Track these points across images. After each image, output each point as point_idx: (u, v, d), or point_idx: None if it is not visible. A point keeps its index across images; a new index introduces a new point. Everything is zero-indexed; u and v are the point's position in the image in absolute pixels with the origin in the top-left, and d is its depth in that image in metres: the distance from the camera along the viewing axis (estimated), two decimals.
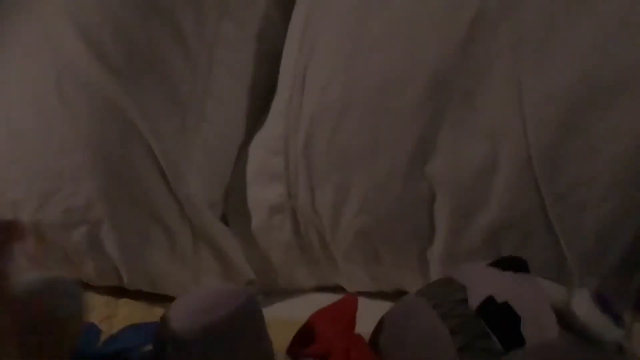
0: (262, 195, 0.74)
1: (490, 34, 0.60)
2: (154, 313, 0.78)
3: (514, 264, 0.47)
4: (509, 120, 0.57)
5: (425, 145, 0.61)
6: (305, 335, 0.49)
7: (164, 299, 0.79)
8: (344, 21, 0.70)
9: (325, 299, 0.76)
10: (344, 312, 0.48)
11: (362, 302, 0.73)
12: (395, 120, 0.62)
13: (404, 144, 0.61)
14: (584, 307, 0.42)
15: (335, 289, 0.76)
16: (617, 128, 0.52)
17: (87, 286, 0.86)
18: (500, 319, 0.41)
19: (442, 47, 0.61)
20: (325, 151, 0.67)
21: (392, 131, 0.62)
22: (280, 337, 0.64)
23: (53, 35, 0.79)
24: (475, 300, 0.43)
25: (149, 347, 0.59)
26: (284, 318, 0.73)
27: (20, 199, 0.76)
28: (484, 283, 0.44)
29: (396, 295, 0.71)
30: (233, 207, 0.78)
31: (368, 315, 0.55)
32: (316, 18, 0.73)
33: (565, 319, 0.42)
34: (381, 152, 0.63)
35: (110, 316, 0.81)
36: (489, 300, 0.42)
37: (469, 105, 0.59)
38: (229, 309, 0.45)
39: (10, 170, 0.76)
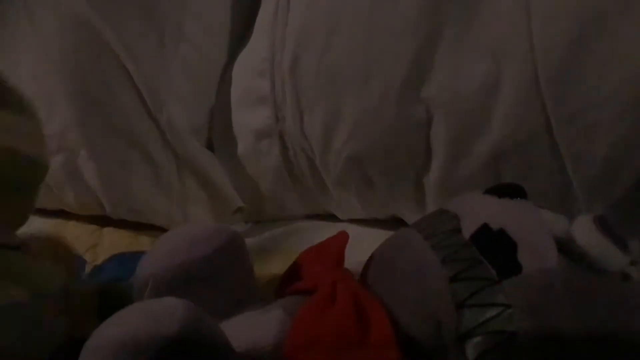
0: (248, 119, 0.70)
1: None
2: (140, 241, 0.77)
3: (511, 191, 0.44)
4: (514, 37, 0.51)
5: (421, 65, 0.56)
6: (292, 274, 0.47)
7: (152, 228, 0.77)
8: None
9: (317, 227, 0.74)
10: (332, 249, 0.46)
11: (356, 230, 0.71)
12: (388, 38, 0.57)
13: (398, 63, 0.56)
14: (584, 231, 0.39)
15: (327, 217, 0.74)
16: (632, 44, 0.47)
17: (71, 215, 0.84)
18: (494, 246, 0.38)
19: None
20: (313, 72, 0.62)
21: (385, 50, 0.57)
22: (269, 268, 0.62)
23: None
24: (469, 228, 0.40)
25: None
26: (274, 248, 0.72)
27: None
28: (478, 211, 0.41)
29: (390, 222, 0.69)
30: (218, 132, 0.74)
31: (362, 244, 0.52)
32: None
33: (565, 247, 0.39)
34: (374, 74, 0.58)
35: (95, 245, 0.79)
36: (483, 228, 0.39)
37: (469, 21, 0.54)
38: (209, 247, 0.43)
39: None
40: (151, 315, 0.32)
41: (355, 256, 0.50)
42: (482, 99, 0.53)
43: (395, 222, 0.68)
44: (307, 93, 0.63)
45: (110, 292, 0.49)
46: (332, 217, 0.73)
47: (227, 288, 0.43)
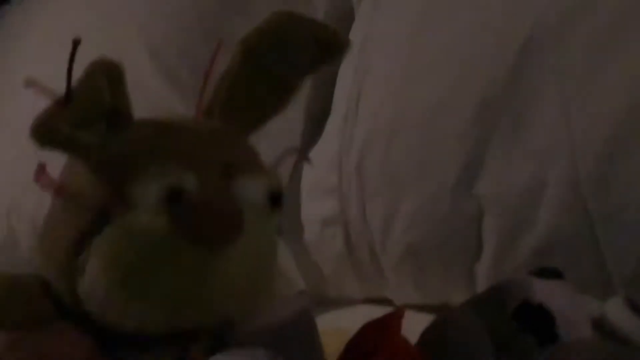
0: (315, 209, 0.78)
1: (538, 60, 0.63)
2: None
3: (550, 273, 0.49)
4: (558, 143, 0.59)
5: (473, 166, 0.63)
6: (354, 345, 0.52)
7: None
8: (397, 49, 0.74)
9: (373, 311, 0.79)
10: (392, 320, 0.51)
11: (410, 314, 0.76)
12: (445, 142, 0.65)
13: (453, 164, 0.64)
14: (616, 309, 0.44)
15: (383, 301, 0.79)
16: None
17: None
18: (534, 318, 0.44)
19: (492, 73, 0.64)
20: (377, 169, 0.71)
21: (441, 152, 0.66)
22: (329, 347, 0.67)
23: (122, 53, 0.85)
24: (512, 304, 0.46)
25: None
26: (331, 328, 0.77)
27: None
28: (520, 289, 0.47)
29: (442, 309, 0.74)
30: (286, 219, 0.82)
31: (414, 328, 0.58)
32: (371, 45, 0.77)
33: (597, 323, 0.44)
34: (430, 172, 0.66)
35: None
36: (525, 303, 0.45)
37: (517, 128, 0.62)
38: (286, 315, 0.48)
39: None
40: (244, 356, 0.38)
41: (410, 338, 0.55)
42: (529, 198, 0.60)
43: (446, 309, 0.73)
44: (370, 187, 0.71)
45: None
46: (388, 302, 0.78)
47: (298, 353, 0.49)
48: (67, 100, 0.34)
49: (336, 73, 0.83)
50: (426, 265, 0.69)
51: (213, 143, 0.39)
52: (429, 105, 0.67)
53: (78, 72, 0.35)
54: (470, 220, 0.64)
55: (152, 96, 0.83)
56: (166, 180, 0.35)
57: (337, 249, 0.76)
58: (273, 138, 0.83)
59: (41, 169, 0.35)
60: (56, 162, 0.38)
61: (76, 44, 0.34)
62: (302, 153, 0.77)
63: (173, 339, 0.38)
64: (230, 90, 0.41)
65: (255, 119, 0.44)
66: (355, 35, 0.81)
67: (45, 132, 0.34)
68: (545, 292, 0.46)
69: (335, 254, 0.77)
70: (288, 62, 0.43)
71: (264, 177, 0.38)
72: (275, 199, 0.38)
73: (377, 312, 0.77)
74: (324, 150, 0.79)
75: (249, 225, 0.35)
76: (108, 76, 0.35)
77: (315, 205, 0.78)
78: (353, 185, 0.73)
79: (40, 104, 0.34)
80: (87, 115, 0.35)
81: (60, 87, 0.34)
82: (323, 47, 0.43)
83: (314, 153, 0.80)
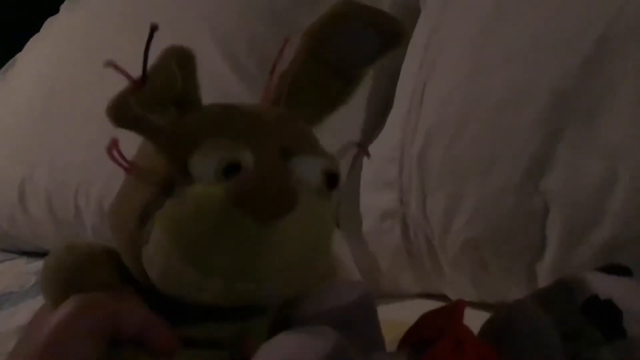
0: (374, 201, 0.78)
1: (616, 54, 0.61)
2: None
3: (619, 270, 0.49)
4: (631, 141, 0.58)
5: (542, 161, 0.62)
6: (415, 331, 0.52)
7: None
8: (466, 43, 0.73)
9: (429, 305, 0.79)
10: (453, 310, 0.51)
11: (467, 311, 0.76)
12: (513, 136, 0.65)
13: (520, 159, 0.64)
14: None
15: (439, 297, 0.79)
16: None
17: None
18: (602, 313, 0.43)
19: (566, 67, 0.63)
20: (439, 162, 0.70)
21: (508, 147, 0.65)
22: (386, 337, 0.67)
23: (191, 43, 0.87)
24: (579, 298, 0.45)
25: None
26: (387, 319, 0.77)
27: None
28: (588, 284, 0.46)
29: (499, 307, 0.73)
30: (345, 211, 0.82)
31: (471, 324, 0.57)
32: (438, 39, 0.77)
33: None
34: (496, 166, 0.65)
35: None
36: (593, 298, 0.44)
37: (589, 124, 0.60)
38: (349, 300, 0.48)
39: None
40: (309, 335, 0.39)
41: None
42: (598, 195, 0.59)
43: None
44: (431, 180, 0.71)
45: None
46: (443, 298, 0.78)
47: (361, 336, 0.49)
48: (142, 82, 0.35)
49: (398, 67, 0.83)
50: (486, 261, 0.68)
51: (274, 126, 0.40)
52: (499, 97, 0.67)
53: (151, 59, 0.36)
54: (534, 216, 0.63)
55: (220, 85, 0.85)
56: (223, 153, 0.36)
57: (394, 242, 0.76)
58: (334, 131, 0.84)
59: (114, 144, 0.37)
60: (131, 144, 0.40)
61: (153, 29, 0.36)
62: (363, 147, 0.78)
63: (231, 314, 0.39)
64: (295, 81, 0.42)
65: (319, 109, 0.45)
66: (422, 29, 0.81)
67: (120, 112, 0.36)
68: (613, 287, 0.45)
69: (392, 247, 0.77)
70: (350, 52, 0.43)
71: (320, 158, 0.40)
72: (332, 180, 0.39)
73: (433, 306, 0.77)
74: (385, 142, 0.79)
75: (303, 202, 0.36)
76: (180, 61, 0.37)
77: (374, 197, 0.78)
78: (414, 177, 0.73)
79: (116, 89, 0.36)
80: (160, 98, 0.37)
81: (134, 71, 0.36)
82: (384, 35, 0.43)
83: (375, 145, 0.81)
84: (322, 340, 0.38)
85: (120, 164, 0.37)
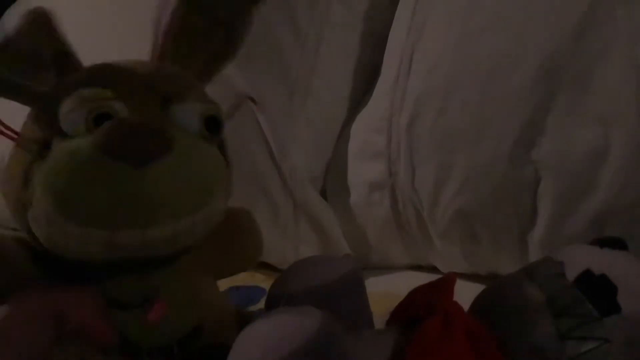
0: (362, 172, 0.76)
1: (607, 18, 0.59)
2: (255, 278, 0.83)
3: (613, 243, 0.47)
4: (624, 106, 0.56)
5: (533, 129, 0.61)
6: (404, 306, 0.51)
7: (265, 266, 0.84)
8: (454, 7, 0.71)
9: (419, 277, 0.78)
10: (443, 285, 0.50)
11: (457, 283, 0.75)
12: (503, 103, 0.63)
13: (511, 127, 0.62)
14: None
15: (429, 269, 0.77)
16: None
17: None
18: (596, 288, 0.42)
19: (557, 30, 0.61)
20: (428, 131, 0.68)
21: (499, 114, 0.63)
22: (376, 310, 0.66)
23: None
24: (572, 273, 0.44)
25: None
26: (376, 291, 0.76)
27: None
28: (581, 258, 0.45)
29: (490, 278, 0.72)
30: (333, 182, 0.81)
31: (462, 297, 0.56)
32: (426, 3, 0.74)
33: None
34: (486, 135, 0.63)
35: None
36: (586, 272, 0.43)
37: (581, 89, 0.59)
38: (337, 274, 0.48)
39: None
40: (292, 318, 0.38)
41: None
42: (591, 162, 0.58)
43: (495, 279, 0.71)
44: (420, 150, 0.69)
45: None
46: (433, 270, 0.77)
47: (348, 312, 0.48)
48: (3, 46, 0.36)
49: (386, 31, 0.80)
50: (476, 232, 0.67)
51: (151, 78, 0.41)
52: (489, 62, 0.65)
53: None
54: (525, 186, 0.62)
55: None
56: (92, 104, 0.37)
57: (383, 214, 0.75)
58: (320, 102, 0.82)
59: None
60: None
61: None
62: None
63: (134, 270, 0.40)
64: (178, 36, 0.43)
65: (206, 63, 0.45)
66: None
67: None
68: (608, 261, 0.44)
69: (381, 219, 0.75)
70: (226, 2, 0.45)
71: (199, 104, 0.41)
72: (212, 125, 0.40)
73: (423, 279, 0.76)
74: (372, 112, 0.77)
75: (179, 146, 0.37)
76: (39, 21, 0.38)
77: (362, 168, 0.77)
78: (402, 147, 0.71)
79: None
80: (26, 60, 0.37)
81: None
82: None
83: (362, 115, 0.79)
84: (306, 323, 0.37)
85: (2, 132, 0.38)
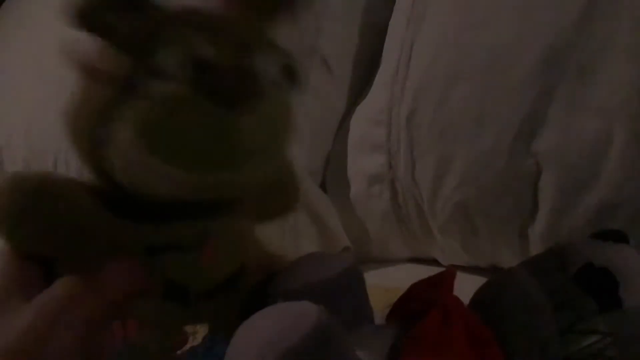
0: (362, 165, 0.76)
1: (610, 8, 0.58)
2: None
3: (615, 236, 0.47)
4: (627, 98, 0.55)
5: (534, 121, 0.60)
6: (404, 302, 0.51)
7: None
8: None
9: (419, 270, 0.77)
10: (443, 280, 0.49)
11: (458, 275, 0.74)
12: (504, 95, 0.62)
13: (512, 119, 0.61)
14: None
15: (429, 261, 0.77)
16: None
17: None
18: (597, 282, 0.41)
19: (558, 21, 0.60)
20: (428, 123, 0.68)
21: (499, 106, 0.62)
22: (375, 304, 0.66)
23: None
24: (573, 267, 0.43)
25: None
26: (376, 285, 0.75)
27: None
28: (582, 251, 0.45)
29: (491, 271, 0.72)
30: (333, 175, 0.80)
31: (462, 289, 0.56)
32: None
33: None
34: (487, 127, 0.63)
35: None
36: (588, 266, 0.42)
37: (583, 81, 0.58)
38: (335, 270, 0.47)
39: None
40: (288, 314, 0.37)
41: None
42: (593, 155, 0.57)
43: (495, 271, 0.71)
44: (420, 142, 0.69)
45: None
46: (433, 262, 0.77)
47: (348, 308, 0.48)
48: None
49: (385, 22, 0.80)
50: (476, 225, 0.67)
51: (234, 24, 0.41)
52: (490, 53, 0.64)
53: None
54: (526, 179, 0.61)
55: None
56: (187, 49, 0.37)
57: (383, 207, 0.74)
58: (319, 93, 0.81)
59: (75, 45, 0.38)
60: None
61: None
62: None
63: (194, 213, 0.40)
64: None
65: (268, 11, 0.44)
66: None
67: (83, 13, 0.37)
68: (609, 255, 0.43)
69: (381, 212, 0.75)
70: None
71: (278, 53, 0.41)
72: (291, 75, 0.40)
73: (423, 271, 0.76)
74: (372, 104, 0.76)
75: (265, 91, 0.38)
76: None
77: (362, 161, 0.76)
78: (402, 140, 0.70)
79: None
80: (116, 4, 0.38)
81: None
82: None
83: (362, 106, 0.78)
84: (304, 319, 0.36)
85: (81, 64, 0.37)
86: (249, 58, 0.39)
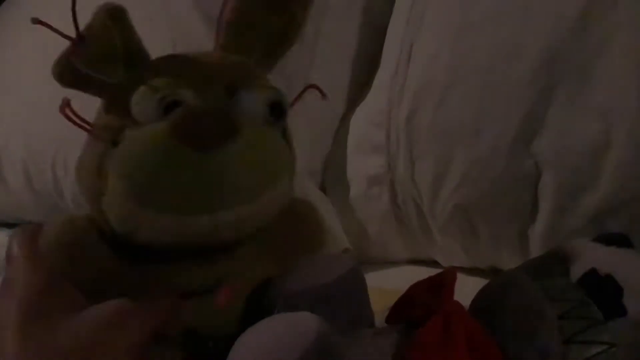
0: (361, 166, 0.75)
1: (609, 9, 0.58)
2: None
3: (618, 240, 0.46)
4: (627, 98, 0.55)
5: (533, 122, 0.60)
6: (403, 304, 0.51)
7: None
8: None
9: (419, 272, 0.77)
10: (443, 282, 0.49)
11: (457, 276, 0.74)
12: (503, 96, 0.62)
13: (511, 120, 0.61)
14: None
15: (429, 263, 0.77)
16: None
17: None
18: (601, 289, 0.41)
19: (557, 22, 0.60)
20: (428, 125, 0.67)
21: (498, 107, 0.62)
22: (374, 306, 0.66)
23: (169, 4, 0.84)
24: (577, 272, 0.43)
25: None
26: (376, 286, 0.75)
27: None
28: (586, 257, 0.44)
29: (491, 272, 0.71)
30: (332, 177, 0.80)
31: (463, 290, 0.56)
32: None
33: None
34: (486, 128, 0.63)
35: None
36: (591, 272, 0.42)
37: (582, 82, 0.58)
38: (335, 274, 0.47)
39: None
40: (292, 323, 0.37)
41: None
42: (592, 156, 0.57)
43: (495, 272, 0.71)
44: (420, 143, 0.68)
45: None
46: (433, 263, 0.76)
47: (348, 311, 0.47)
48: (78, 41, 0.37)
49: (385, 22, 0.79)
50: (476, 227, 0.66)
51: (217, 67, 0.42)
52: (489, 54, 0.64)
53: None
54: (526, 180, 0.61)
55: (194, 40, 0.81)
56: (162, 93, 0.38)
57: (383, 208, 0.74)
58: (318, 94, 0.81)
59: (65, 103, 0.39)
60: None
61: None
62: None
63: (202, 258, 0.40)
64: (239, 26, 0.44)
65: (267, 51, 0.46)
66: None
67: (63, 72, 0.39)
68: (613, 261, 0.43)
69: (380, 213, 0.75)
70: None
71: (263, 90, 0.42)
72: (277, 110, 0.41)
73: (423, 272, 0.76)
74: (371, 105, 0.76)
75: (245, 131, 0.38)
76: (113, 17, 0.39)
77: (361, 162, 0.76)
78: (401, 142, 0.70)
79: None
80: (100, 54, 0.39)
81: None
82: None
83: (361, 108, 0.78)
84: (303, 333, 0.36)
85: (75, 123, 0.39)
86: (233, 100, 0.40)
